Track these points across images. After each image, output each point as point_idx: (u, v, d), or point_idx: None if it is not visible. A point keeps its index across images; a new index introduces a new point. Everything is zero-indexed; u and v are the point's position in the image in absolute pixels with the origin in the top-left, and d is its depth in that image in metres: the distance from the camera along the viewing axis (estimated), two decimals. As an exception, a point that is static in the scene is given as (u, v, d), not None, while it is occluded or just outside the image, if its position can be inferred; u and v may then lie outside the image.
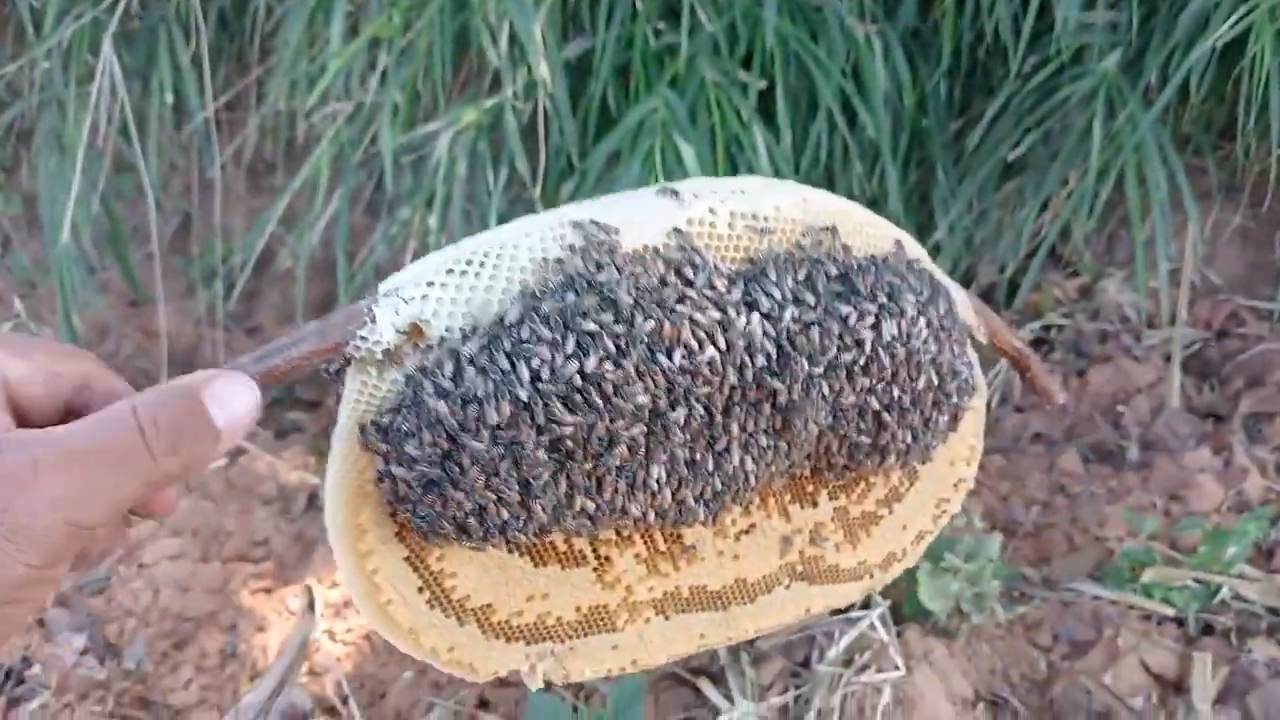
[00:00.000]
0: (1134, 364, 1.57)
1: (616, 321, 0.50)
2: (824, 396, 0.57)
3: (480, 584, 0.56)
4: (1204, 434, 1.45)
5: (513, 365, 0.49)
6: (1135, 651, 1.08)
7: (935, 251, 1.57)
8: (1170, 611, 1.14)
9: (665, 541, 0.60)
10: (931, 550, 1.07)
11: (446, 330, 0.50)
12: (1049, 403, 0.70)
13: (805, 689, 0.92)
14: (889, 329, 0.57)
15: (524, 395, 0.49)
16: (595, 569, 0.59)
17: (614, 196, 0.56)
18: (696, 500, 0.57)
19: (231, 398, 0.43)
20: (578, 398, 0.50)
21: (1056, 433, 1.54)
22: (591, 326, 0.50)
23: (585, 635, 0.59)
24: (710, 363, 0.52)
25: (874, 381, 0.58)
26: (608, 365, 0.50)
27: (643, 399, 0.51)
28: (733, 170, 1.32)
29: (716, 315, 0.52)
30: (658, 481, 0.55)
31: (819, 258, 0.57)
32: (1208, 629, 1.14)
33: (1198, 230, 1.52)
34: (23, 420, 0.42)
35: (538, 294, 0.50)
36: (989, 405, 1.57)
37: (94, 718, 1.02)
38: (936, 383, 0.61)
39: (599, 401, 0.50)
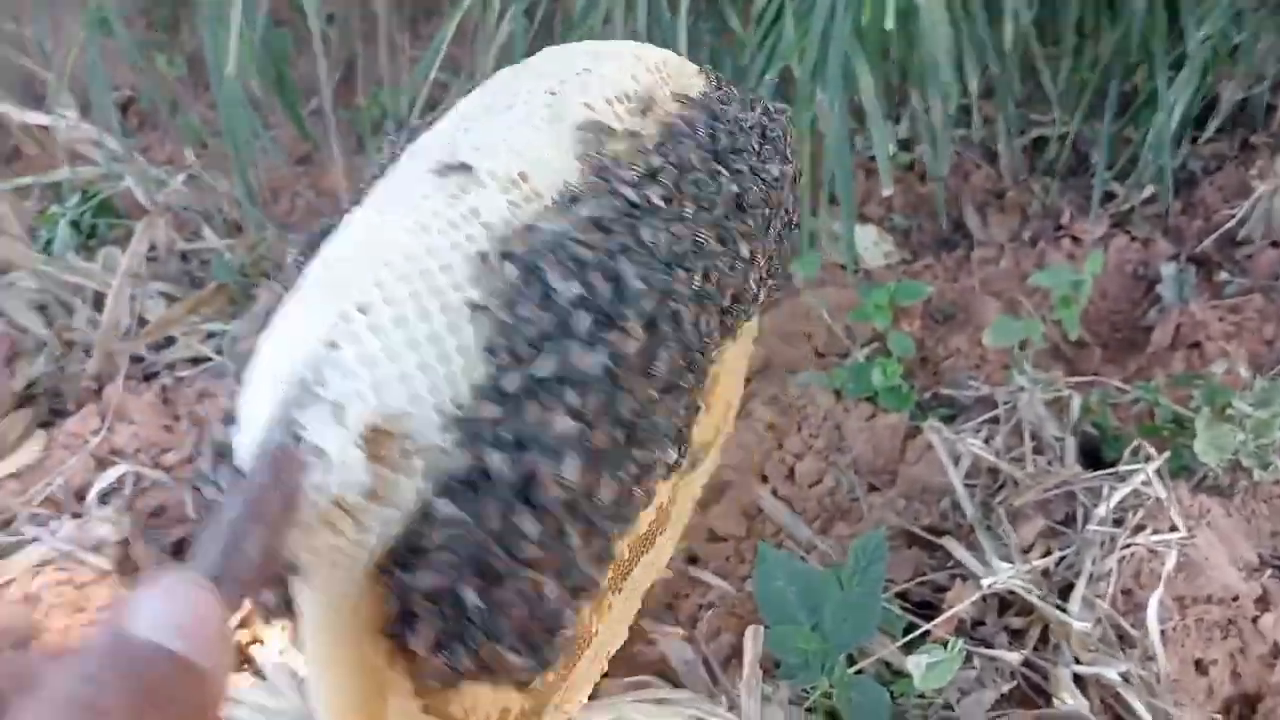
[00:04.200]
0: None
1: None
2: None
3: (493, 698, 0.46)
4: None
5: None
6: None
7: (1179, 63, 1.36)
8: None
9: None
10: (1213, 397, 0.93)
11: (418, 405, 0.35)
12: None
13: (1071, 551, 0.80)
14: None
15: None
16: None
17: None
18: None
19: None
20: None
21: (1328, 266, 1.33)
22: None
23: (572, 668, 0.51)
24: None
25: None
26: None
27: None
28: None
29: None
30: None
31: None
32: None
33: None
34: None
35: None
36: (1246, 239, 1.37)
37: None
38: None
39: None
